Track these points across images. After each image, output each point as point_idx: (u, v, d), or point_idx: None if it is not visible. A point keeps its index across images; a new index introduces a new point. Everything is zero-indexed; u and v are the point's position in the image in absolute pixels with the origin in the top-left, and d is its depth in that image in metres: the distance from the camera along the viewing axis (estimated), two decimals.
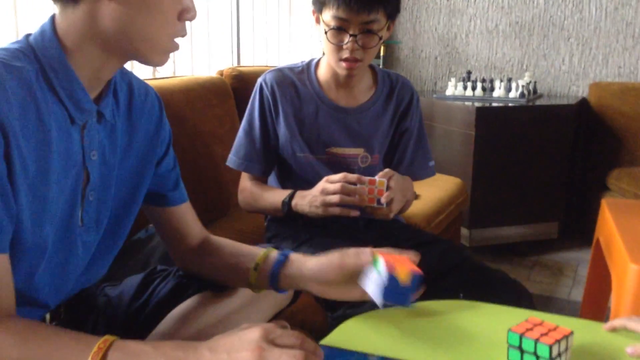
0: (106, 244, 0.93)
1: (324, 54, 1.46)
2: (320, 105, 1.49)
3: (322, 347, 0.72)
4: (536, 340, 0.74)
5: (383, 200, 1.28)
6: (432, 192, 2.23)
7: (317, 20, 1.41)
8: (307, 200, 1.36)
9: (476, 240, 2.75)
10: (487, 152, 2.68)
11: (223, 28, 2.65)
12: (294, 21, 3.13)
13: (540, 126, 2.75)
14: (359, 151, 1.50)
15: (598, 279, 1.81)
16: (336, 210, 1.31)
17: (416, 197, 1.50)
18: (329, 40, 1.37)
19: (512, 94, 2.84)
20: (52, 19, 0.79)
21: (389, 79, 1.55)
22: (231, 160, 1.53)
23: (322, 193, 1.32)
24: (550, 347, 0.73)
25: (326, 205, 1.31)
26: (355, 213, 1.31)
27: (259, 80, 1.51)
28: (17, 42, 0.79)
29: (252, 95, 1.51)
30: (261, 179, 1.55)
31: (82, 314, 1.04)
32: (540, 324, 0.78)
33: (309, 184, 1.38)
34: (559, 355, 0.74)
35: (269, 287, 0.98)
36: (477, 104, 2.67)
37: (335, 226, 1.49)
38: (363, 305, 1.01)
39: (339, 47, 1.37)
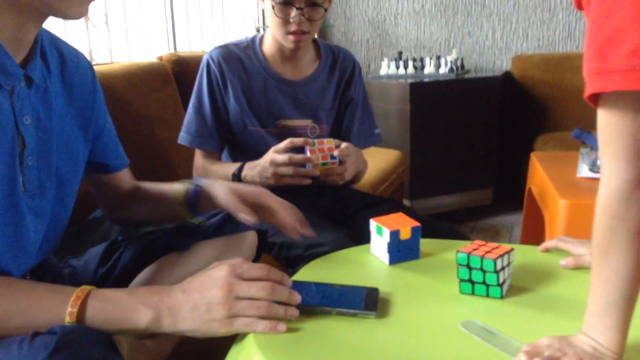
0: (57, 210, 0.93)
1: (260, 29, 1.50)
2: (268, 78, 1.53)
3: None
4: (482, 257, 0.83)
5: (336, 153, 1.32)
6: (375, 163, 2.34)
7: None
8: (257, 170, 1.38)
9: (418, 210, 2.85)
10: (422, 126, 2.81)
11: (157, 15, 2.65)
12: (228, 5, 3.15)
13: (469, 99, 2.90)
14: (307, 122, 1.55)
15: (531, 227, 1.97)
16: (288, 180, 1.34)
17: None
18: (276, 15, 1.40)
19: (442, 71, 2.98)
20: None
21: (331, 51, 1.61)
22: (183, 137, 1.54)
23: (272, 164, 1.34)
24: (495, 261, 0.82)
25: (278, 177, 1.34)
26: (307, 181, 1.33)
27: (205, 57, 1.53)
28: None
29: (199, 72, 1.53)
30: (214, 155, 1.56)
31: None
32: (484, 244, 0.87)
33: (261, 157, 1.39)
34: (503, 268, 0.84)
35: (193, 215, 1.08)
36: (410, 81, 2.79)
37: (287, 195, 1.54)
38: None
39: (286, 21, 1.41)
